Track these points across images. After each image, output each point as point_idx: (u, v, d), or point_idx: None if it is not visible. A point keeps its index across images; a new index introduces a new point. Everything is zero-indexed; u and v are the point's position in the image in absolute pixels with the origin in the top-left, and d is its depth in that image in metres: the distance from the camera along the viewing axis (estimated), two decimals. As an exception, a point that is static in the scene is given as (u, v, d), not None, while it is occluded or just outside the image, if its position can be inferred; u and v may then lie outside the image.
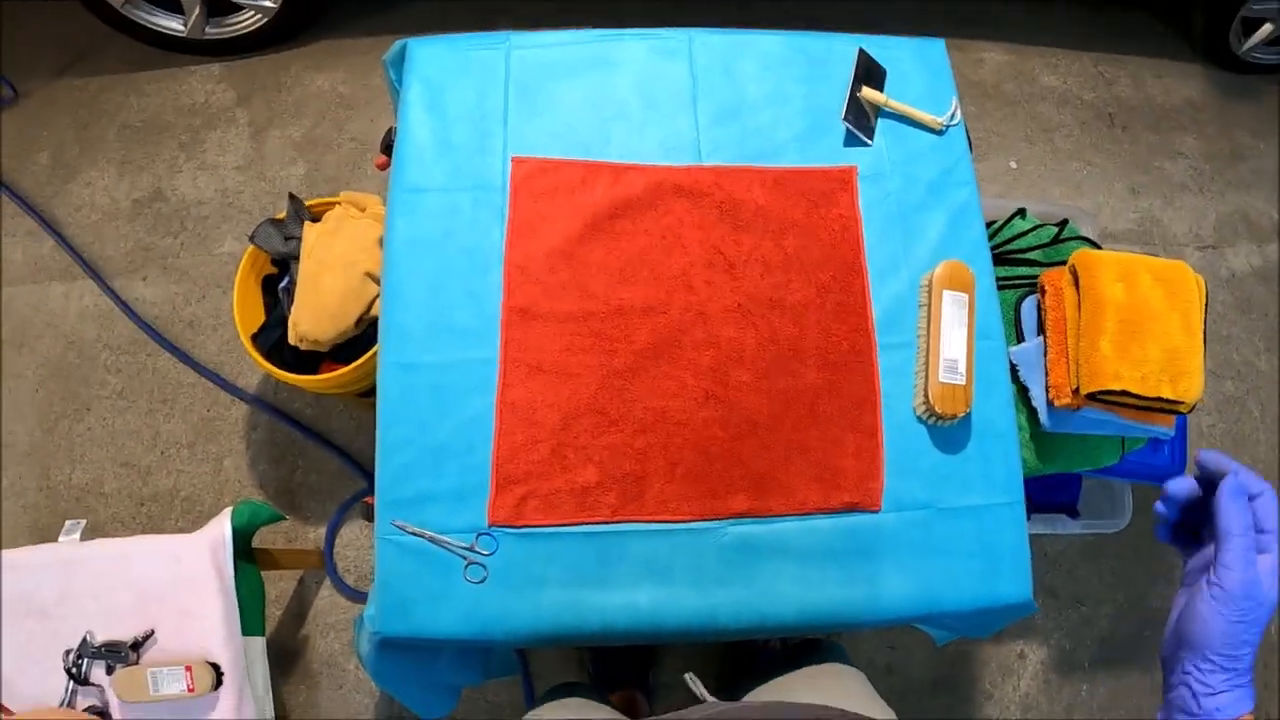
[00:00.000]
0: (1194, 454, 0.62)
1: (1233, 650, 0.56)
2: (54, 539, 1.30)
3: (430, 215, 1.07)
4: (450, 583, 0.95)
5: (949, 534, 1.00)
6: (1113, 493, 1.62)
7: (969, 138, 1.18)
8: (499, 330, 1.02)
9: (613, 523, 0.97)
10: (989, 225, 1.51)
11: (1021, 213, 1.53)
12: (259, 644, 1.30)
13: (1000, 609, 1.01)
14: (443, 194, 1.08)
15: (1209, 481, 0.61)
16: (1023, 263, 1.43)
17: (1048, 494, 1.62)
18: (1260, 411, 1.98)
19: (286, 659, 1.73)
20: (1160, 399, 1.13)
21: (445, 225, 1.07)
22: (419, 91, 1.13)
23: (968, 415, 1.01)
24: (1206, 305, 1.21)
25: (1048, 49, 2.28)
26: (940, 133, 1.16)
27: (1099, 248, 1.43)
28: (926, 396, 1.00)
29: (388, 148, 1.17)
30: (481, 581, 0.96)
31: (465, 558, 0.96)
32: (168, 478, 1.85)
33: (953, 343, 1.02)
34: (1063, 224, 1.49)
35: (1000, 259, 1.42)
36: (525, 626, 0.95)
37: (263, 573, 1.40)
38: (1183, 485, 0.63)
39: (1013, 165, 2.16)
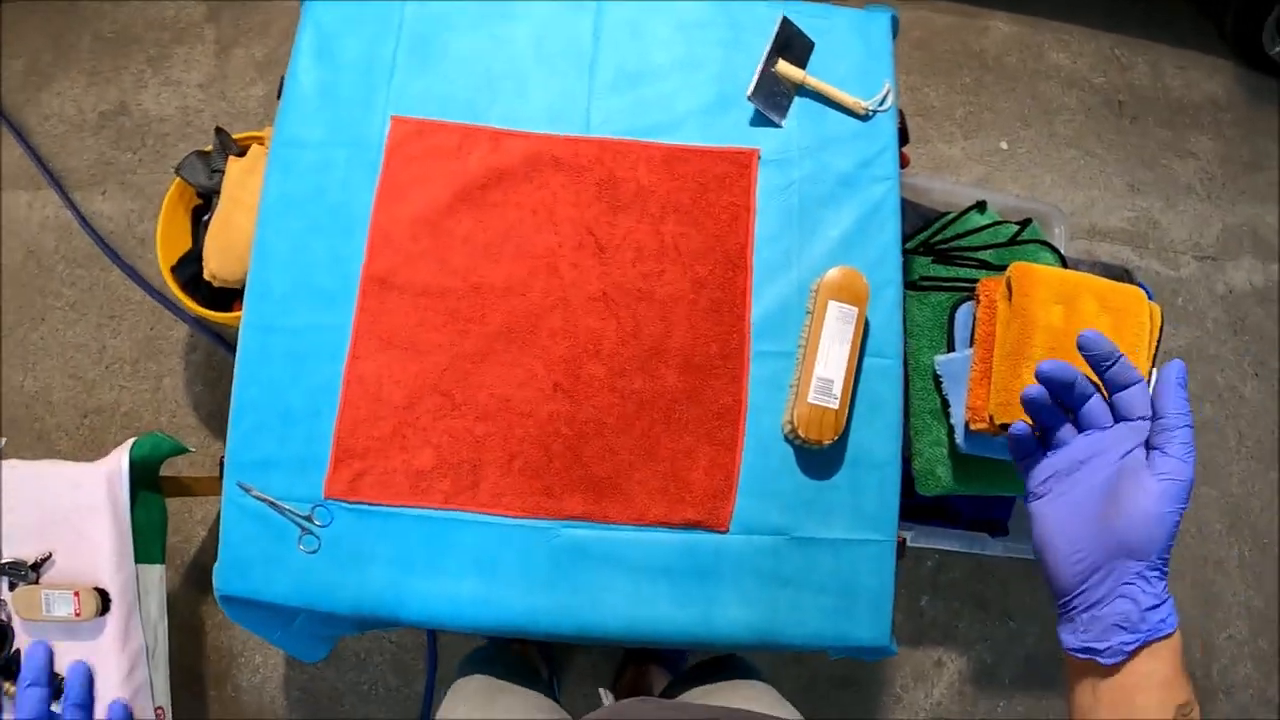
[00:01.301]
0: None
1: (1168, 550, 0.52)
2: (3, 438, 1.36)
3: (305, 171, 1.03)
4: (286, 550, 0.95)
5: (801, 565, 0.94)
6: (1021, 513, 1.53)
7: (903, 127, 1.08)
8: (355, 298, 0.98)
9: (444, 509, 0.94)
10: (941, 217, 1.41)
11: (981, 206, 1.42)
12: (156, 571, 1.32)
13: (851, 649, 0.96)
14: (320, 149, 1.03)
15: (1056, 388, 0.58)
16: (970, 262, 1.33)
17: (977, 508, 1.54)
18: (1237, 441, 1.84)
19: (207, 580, 1.74)
20: (1082, 440, 1.04)
21: (318, 182, 1.02)
22: (311, 38, 1.07)
23: (838, 441, 0.94)
24: (1159, 341, 1.10)
25: (1063, 24, 2.08)
26: (865, 118, 1.06)
27: (1061, 256, 1.32)
28: (793, 417, 0.93)
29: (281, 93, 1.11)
30: (314, 552, 0.95)
31: (301, 527, 0.95)
32: (110, 392, 1.90)
33: (830, 361, 0.94)
34: (1024, 224, 1.38)
35: (945, 256, 1.32)
36: (350, 602, 0.94)
37: (185, 496, 1.43)
38: (1037, 390, 0.59)
39: (1003, 146, 2.00)
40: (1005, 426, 1.07)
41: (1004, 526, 1.54)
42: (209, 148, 1.54)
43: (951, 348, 1.22)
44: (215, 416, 1.87)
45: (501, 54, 1.06)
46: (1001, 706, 1.71)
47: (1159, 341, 1.12)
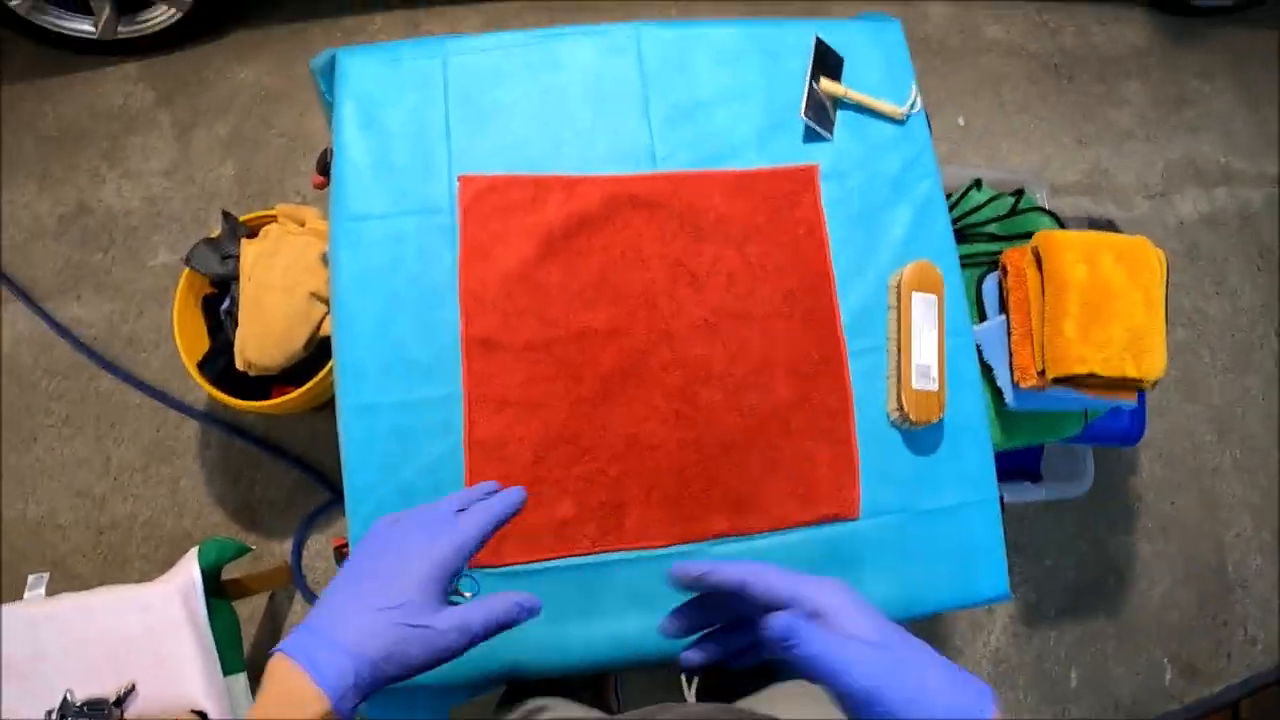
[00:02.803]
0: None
1: None
2: (15, 578, 1.28)
3: (375, 244, 1.01)
4: (431, 627, 0.93)
5: (925, 536, 1.00)
6: (1074, 455, 1.65)
7: (929, 123, 1.15)
8: (458, 364, 0.98)
9: (594, 554, 0.95)
10: (945, 199, 1.49)
11: (978, 184, 1.51)
12: (241, 681, 1.28)
13: (976, 603, 1.02)
14: (386, 220, 1.02)
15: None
16: (981, 237, 1.42)
17: (1010, 460, 1.64)
18: (1211, 357, 2.02)
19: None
20: (1124, 378, 1.14)
21: (392, 254, 1.01)
22: (352, 109, 1.06)
23: (943, 419, 1.00)
24: (1168, 280, 1.21)
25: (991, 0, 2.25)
26: (901, 122, 1.12)
27: (1056, 218, 1.43)
28: (900, 404, 0.99)
29: (324, 168, 1.10)
30: (463, 624, 0.93)
31: (450, 603, 0.94)
32: (124, 504, 1.80)
33: (924, 347, 1.00)
34: (1019, 194, 1.48)
35: (959, 235, 1.41)
36: (509, 665, 0.93)
37: (242, 597, 1.39)
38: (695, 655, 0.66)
39: (960, 122, 2.13)
40: (1057, 379, 1.16)
41: (1038, 473, 1.64)
42: (214, 233, 1.49)
43: (983, 317, 1.31)
44: (243, 511, 1.79)
45: (553, 103, 1.07)
46: (1053, 638, 1.82)
47: (1168, 279, 1.23)
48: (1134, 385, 1.17)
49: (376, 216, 1.02)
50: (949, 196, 1.49)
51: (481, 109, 1.06)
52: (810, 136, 1.09)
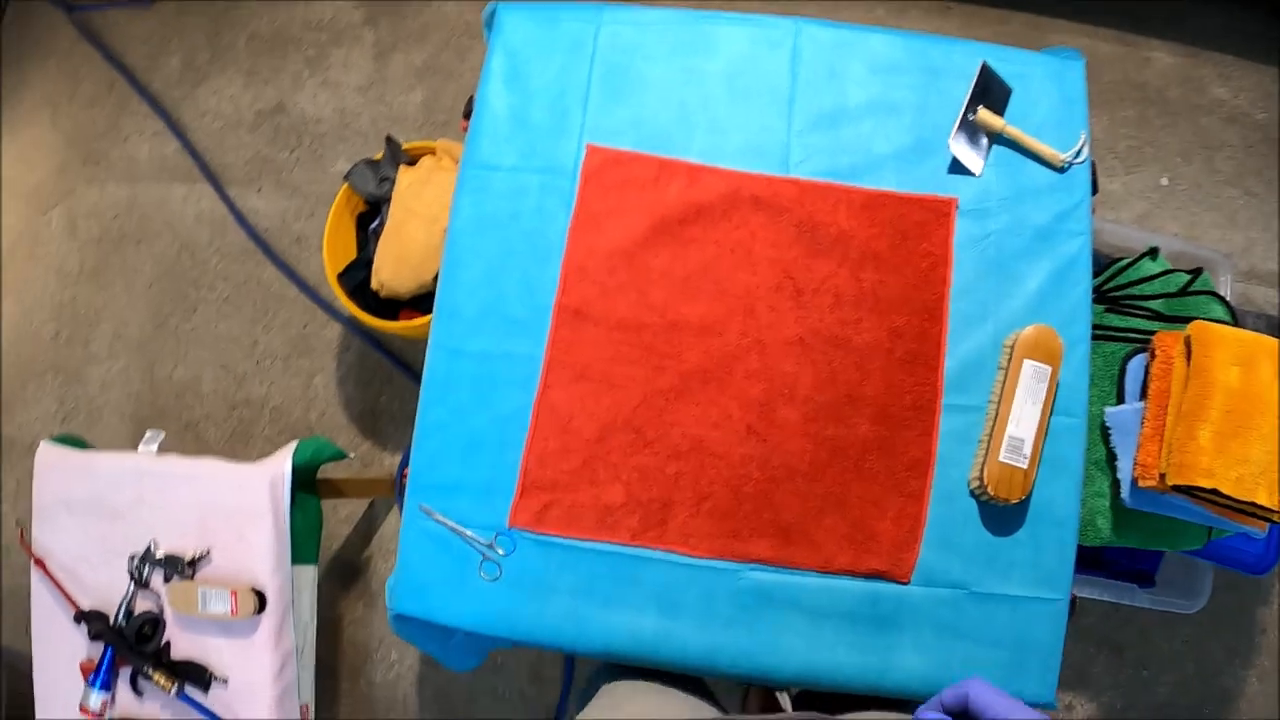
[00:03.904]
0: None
1: None
2: (154, 427, 1.39)
3: (497, 195, 1.04)
4: (465, 574, 0.96)
5: (979, 620, 0.93)
6: (1193, 569, 1.49)
7: (1095, 177, 1.06)
8: (549, 326, 0.99)
9: (631, 546, 0.94)
10: (1114, 263, 1.37)
11: (1153, 253, 1.38)
12: (310, 572, 1.36)
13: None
14: (513, 174, 1.04)
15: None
16: (1141, 312, 1.30)
17: (1125, 557, 1.51)
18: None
19: (349, 576, 1.83)
20: (1253, 504, 1.02)
21: (511, 207, 1.03)
22: (501, 62, 1.08)
23: (1025, 499, 0.93)
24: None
25: (1225, 57, 2.00)
26: (1062, 170, 1.03)
27: (1230, 308, 1.28)
28: (982, 474, 0.92)
29: (469, 114, 1.12)
30: (495, 579, 0.95)
31: (483, 554, 0.96)
32: (261, 386, 1.94)
33: (1022, 421, 0.93)
34: (1196, 273, 1.34)
35: (1117, 305, 1.29)
36: (529, 630, 0.95)
37: (337, 498, 1.47)
38: None
39: (1164, 182, 1.94)
40: (1177, 487, 1.05)
41: (1152, 578, 1.51)
42: (378, 155, 1.56)
43: (1121, 399, 1.20)
44: (366, 416, 1.90)
45: (696, 87, 1.05)
46: (1124, 755, 1.68)
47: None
48: (1264, 515, 1.05)
49: (504, 168, 1.04)
50: (1118, 260, 1.37)
51: (623, 81, 1.06)
52: (955, 167, 1.02)
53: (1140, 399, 1.17)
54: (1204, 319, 1.13)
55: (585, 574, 0.95)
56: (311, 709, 1.32)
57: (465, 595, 0.95)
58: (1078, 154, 1.04)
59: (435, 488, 0.98)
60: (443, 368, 1.00)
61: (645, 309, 0.98)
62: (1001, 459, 0.92)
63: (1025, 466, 0.92)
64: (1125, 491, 1.14)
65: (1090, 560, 1.48)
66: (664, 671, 1.01)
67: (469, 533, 0.96)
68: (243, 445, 1.92)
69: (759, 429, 0.95)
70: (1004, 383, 0.95)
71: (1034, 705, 0.93)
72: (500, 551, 0.96)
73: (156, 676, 1.20)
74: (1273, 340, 1.08)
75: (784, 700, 0.90)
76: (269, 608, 1.23)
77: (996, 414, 0.94)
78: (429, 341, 1.01)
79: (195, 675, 1.23)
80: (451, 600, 0.95)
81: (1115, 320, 1.25)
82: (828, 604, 0.93)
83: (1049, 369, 0.95)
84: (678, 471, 0.95)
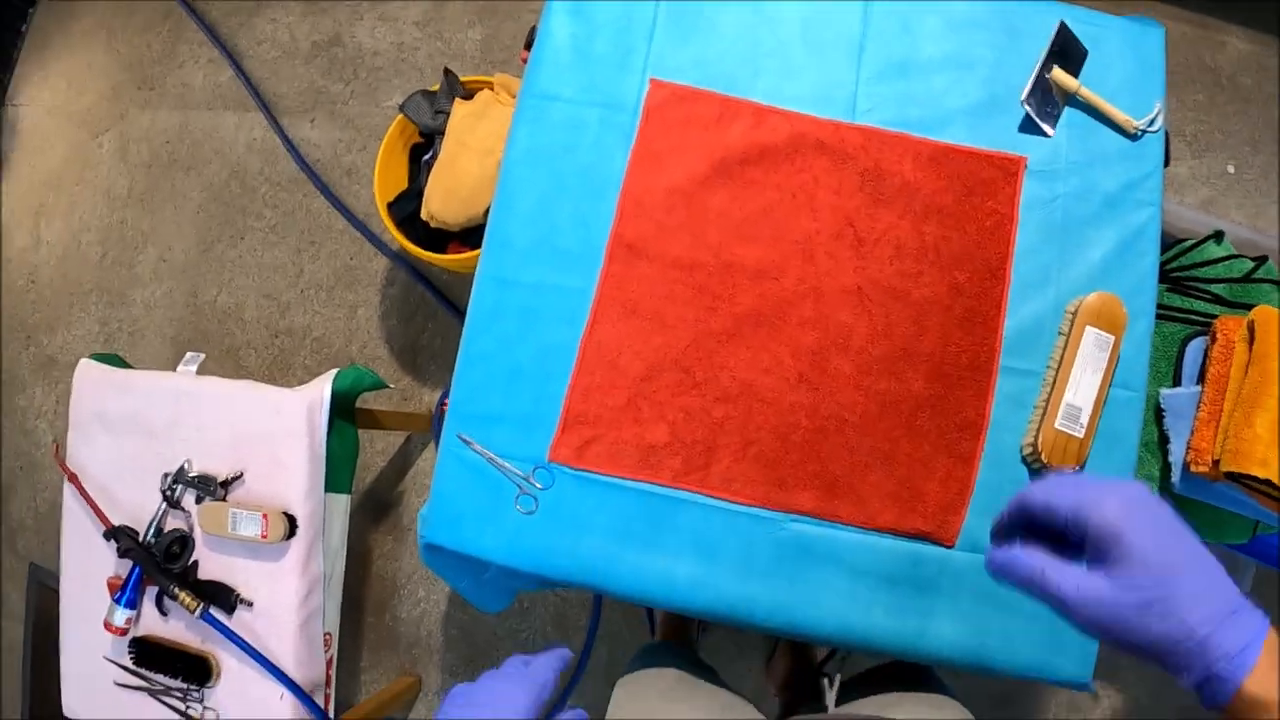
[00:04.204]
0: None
1: None
2: (196, 351, 1.39)
3: (555, 126, 1.01)
4: (500, 507, 0.94)
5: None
6: (1235, 564, 1.47)
7: (1168, 150, 1.02)
8: (601, 261, 0.97)
9: (672, 487, 0.93)
10: (1178, 243, 1.34)
11: (1218, 237, 1.34)
12: (343, 501, 1.35)
13: (1051, 680, 0.93)
14: (571, 105, 1.02)
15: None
16: (1202, 295, 1.27)
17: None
18: None
19: (381, 509, 1.83)
20: (1307, 499, 0.99)
21: (568, 140, 1.01)
22: (567, -10, 1.05)
23: (1078, 470, 0.90)
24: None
25: (1300, 45, 1.96)
26: (1134, 137, 1.00)
27: (1296, 298, 1.25)
28: (1036, 439, 0.90)
29: (530, 45, 1.11)
30: (530, 513, 0.94)
31: (520, 486, 0.95)
32: (304, 316, 1.94)
33: (1081, 388, 0.90)
34: (1260, 260, 1.30)
35: (1179, 286, 1.26)
36: (562, 567, 0.93)
37: (374, 429, 1.46)
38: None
39: (1230, 170, 1.89)
40: (1230, 475, 1.02)
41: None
42: (435, 86, 1.55)
43: (1178, 382, 1.17)
44: (406, 351, 1.89)
45: (766, 30, 1.03)
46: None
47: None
48: (1315, 511, 1.02)
49: (563, 99, 1.02)
50: (1184, 241, 1.33)
51: (691, 17, 1.03)
52: (1027, 126, 1.00)
53: (1198, 383, 1.14)
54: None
55: (623, 514, 0.93)
56: (335, 638, 1.33)
57: (499, 528, 0.94)
58: (1152, 122, 1.01)
59: (475, 418, 0.96)
60: (490, 298, 0.98)
61: (701, 248, 0.96)
62: (1058, 426, 0.90)
63: (1081, 435, 0.90)
64: (1176, 476, 1.11)
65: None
66: (699, 665, 1.00)
67: (507, 464, 0.95)
68: (282, 373, 1.92)
69: (810, 377, 0.93)
70: (1064, 349, 0.92)
71: (1069, 685, 0.92)
72: (538, 485, 0.95)
73: (182, 596, 1.20)
74: (1337, 332, 1.05)
75: (829, 696, 0.89)
76: (299, 533, 1.23)
77: (1055, 380, 0.92)
78: (478, 271, 1.00)
79: (221, 596, 1.23)
80: (485, 532, 0.94)
81: (1176, 301, 1.22)
82: (869, 562, 0.92)
83: (1111, 338, 0.92)
84: (725, 415, 0.93)
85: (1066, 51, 1.01)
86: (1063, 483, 0.51)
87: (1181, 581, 0.46)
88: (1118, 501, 0.48)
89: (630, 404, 0.94)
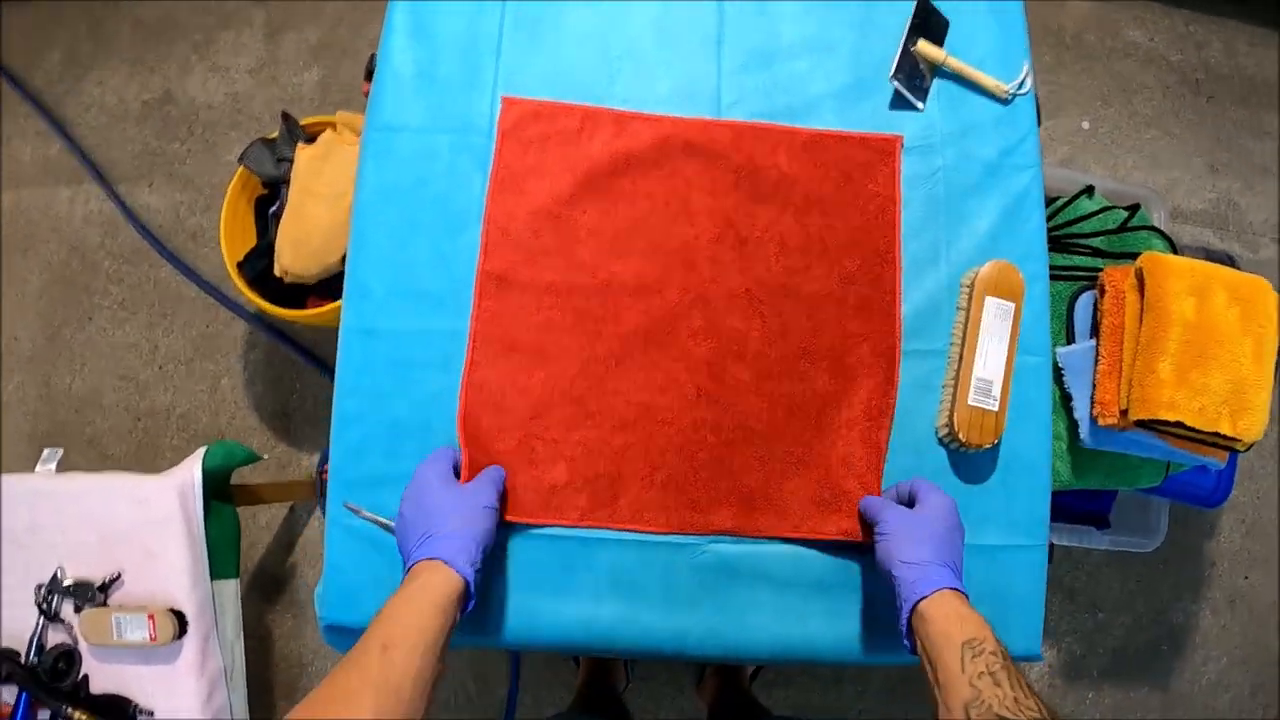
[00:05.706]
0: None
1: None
2: (54, 445, 1.28)
3: (404, 159, 0.94)
4: (399, 575, 0.84)
5: (957, 573, 0.88)
6: (1148, 508, 1.49)
7: (1039, 110, 1.01)
8: (470, 298, 0.90)
9: (580, 527, 0.86)
10: (1050, 203, 1.34)
11: (1089, 191, 1.35)
12: (231, 586, 1.25)
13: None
14: (420, 135, 0.94)
15: None
16: (1083, 250, 1.27)
17: (1077, 500, 1.49)
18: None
19: (273, 587, 1.72)
20: (1217, 434, 0.99)
21: (420, 172, 0.93)
22: (405, 13, 0.98)
23: (996, 445, 0.88)
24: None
25: (1138, 1, 2.03)
26: (1006, 102, 0.99)
27: (1170, 241, 1.26)
28: (951, 420, 0.86)
29: (371, 75, 1.03)
30: (433, 577, 0.86)
31: (417, 550, 0.86)
32: (165, 394, 1.82)
33: (989, 361, 0.87)
34: (1133, 209, 1.31)
35: (1058, 244, 1.26)
36: (475, 630, 0.86)
37: (255, 504, 1.37)
38: None
39: (1085, 126, 1.94)
40: (1140, 421, 1.02)
41: (1107, 519, 1.49)
42: (273, 134, 1.44)
43: (1071, 339, 1.17)
44: (278, 416, 1.79)
45: (618, 31, 0.97)
46: (1090, 698, 1.68)
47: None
48: (1226, 445, 1.02)
49: (411, 129, 0.95)
50: (1055, 200, 1.34)
51: (539, 27, 0.97)
52: (898, 103, 0.97)
53: (1091, 337, 1.14)
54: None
55: (531, 562, 0.86)
56: (247, 732, 1.22)
57: (401, 599, 0.86)
58: (1021, 85, 0.99)
59: (359, 482, 0.88)
60: (357, 352, 0.90)
61: (576, 270, 0.90)
62: (971, 402, 0.87)
63: (995, 409, 0.87)
64: (1084, 431, 1.11)
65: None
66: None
67: (400, 530, 0.87)
68: (151, 458, 1.79)
69: (709, 391, 0.88)
70: (965, 323, 0.90)
71: (1021, 659, 0.89)
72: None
73: (77, 716, 1.09)
74: (1223, 268, 1.06)
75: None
76: (190, 629, 1.13)
77: (961, 356, 0.89)
78: (341, 324, 0.91)
79: (117, 710, 1.13)
80: (386, 605, 0.86)
81: (1058, 259, 1.22)
82: (798, 573, 0.87)
83: (1012, 305, 0.90)
84: (625, 443, 0.87)
85: (928, 24, 0.99)
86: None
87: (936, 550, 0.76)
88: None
89: (523, 445, 0.87)
